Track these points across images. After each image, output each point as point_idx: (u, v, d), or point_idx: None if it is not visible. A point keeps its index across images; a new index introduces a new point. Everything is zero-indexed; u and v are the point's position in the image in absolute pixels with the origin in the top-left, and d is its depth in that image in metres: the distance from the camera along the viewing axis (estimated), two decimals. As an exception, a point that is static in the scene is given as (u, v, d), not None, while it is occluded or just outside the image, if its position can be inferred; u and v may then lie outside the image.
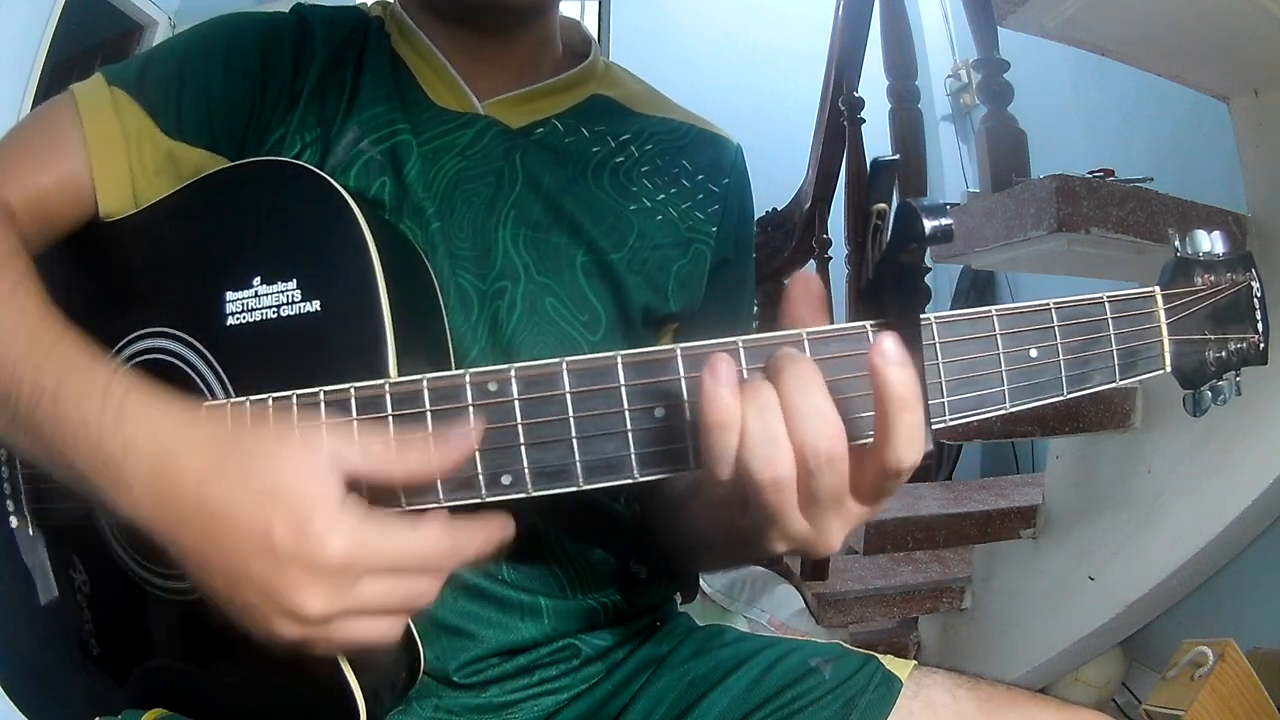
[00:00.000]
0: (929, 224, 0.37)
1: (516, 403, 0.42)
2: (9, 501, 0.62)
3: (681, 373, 0.42)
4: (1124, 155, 2.14)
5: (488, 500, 0.43)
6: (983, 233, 1.30)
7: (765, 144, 1.51)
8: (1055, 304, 0.45)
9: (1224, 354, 0.50)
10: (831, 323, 0.43)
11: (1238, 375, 0.51)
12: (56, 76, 2.72)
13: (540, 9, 0.67)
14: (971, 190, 2.34)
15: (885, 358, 0.37)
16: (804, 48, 3.18)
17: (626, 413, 0.42)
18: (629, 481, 0.42)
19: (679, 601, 0.76)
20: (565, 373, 0.42)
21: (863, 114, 1.79)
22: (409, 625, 0.51)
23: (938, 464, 2.66)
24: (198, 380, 0.51)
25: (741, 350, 0.41)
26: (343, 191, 0.50)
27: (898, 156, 0.42)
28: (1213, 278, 0.50)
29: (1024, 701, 0.56)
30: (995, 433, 1.49)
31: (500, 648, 0.60)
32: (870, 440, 0.40)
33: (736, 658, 0.62)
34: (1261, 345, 0.51)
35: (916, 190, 1.60)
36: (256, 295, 0.49)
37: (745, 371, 0.41)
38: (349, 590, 0.41)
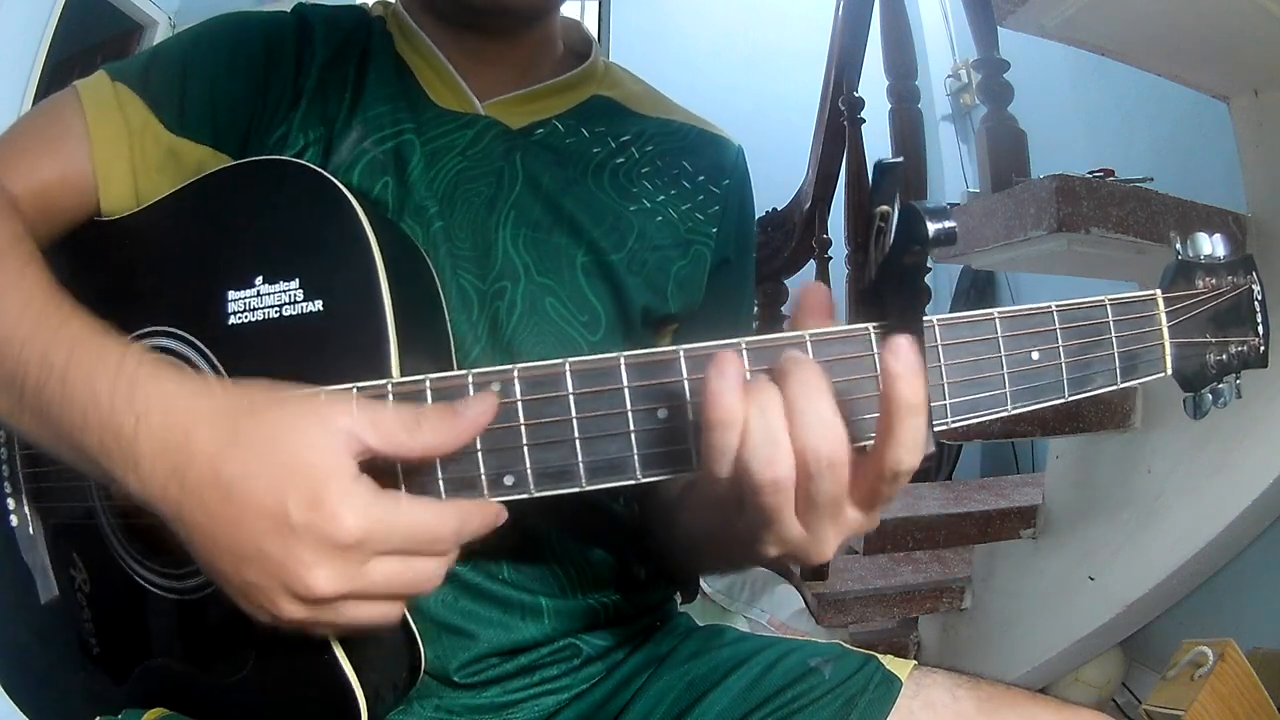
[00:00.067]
0: (932, 226, 0.37)
1: (520, 403, 0.42)
2: (9, 500, 0.62)
3: (684, 374, 0.42)
4: (1124, 155, 2.14)
5: (490, 501, 0.43)
6: (983, 233, 1.30)
7: (765, 144, 1.51)
8: (1057, 306, 0.45)
9: (1225, 357, 0.50)
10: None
11: (1238, 378, 0.52)
12: (56, 76, 2.72)
13: (542, 11, 0.67)
14: (971, 190, 2.34)
15: (898, 359, 0.37)
16: (804, 48, 3.19)
17: (630, 413, 0.42)
18: (632, 482, 0.42)
19: (679, 601, 0.76)
20: (568, 373, 0.42)
21: (863, 114, 1.79)
22: (410, 624, 0.51)
23: (938, 464, 2.66)
24: (199, 380, 0.51)
25: (744, 351, 0.42)
26: (345, 191, 0.50)
27: (901, 159, 0.42)
28: (1214, 281, 0.50)
29: (1024, 701, 0.56)
30: (995, 433, 1.49)
31: (501, 647, 0.60)
32: (870, 442, 0.40)
33: (736, 658, 0.62)
34: (1262, 348, 0.51)
35: (916, 191, 1.60)
36: (259, 294, 0.49)
37: (749, 373, 0.41)
38: (359, 570, 0.40)
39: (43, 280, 0.48)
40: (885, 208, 0.41)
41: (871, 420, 0.40)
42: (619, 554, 0.66)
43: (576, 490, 0.43)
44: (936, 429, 0.42)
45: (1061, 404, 0.46)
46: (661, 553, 0.66)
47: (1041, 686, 1.64)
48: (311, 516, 0.39)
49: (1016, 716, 0.55)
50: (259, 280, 0.49)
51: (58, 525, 0.61)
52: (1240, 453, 1.28)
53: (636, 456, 0.42)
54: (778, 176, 1.84)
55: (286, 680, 0.50)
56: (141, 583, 0.55)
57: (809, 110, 2.02)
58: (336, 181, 0.50)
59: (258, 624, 0.42)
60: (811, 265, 2.02)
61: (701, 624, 0.72)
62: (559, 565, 0.63)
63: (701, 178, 0.71)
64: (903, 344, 0.37)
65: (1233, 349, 0.50)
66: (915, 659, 0.66)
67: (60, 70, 2.77)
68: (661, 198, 0.68)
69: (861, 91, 1.80)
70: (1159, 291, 0.49)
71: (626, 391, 0.42)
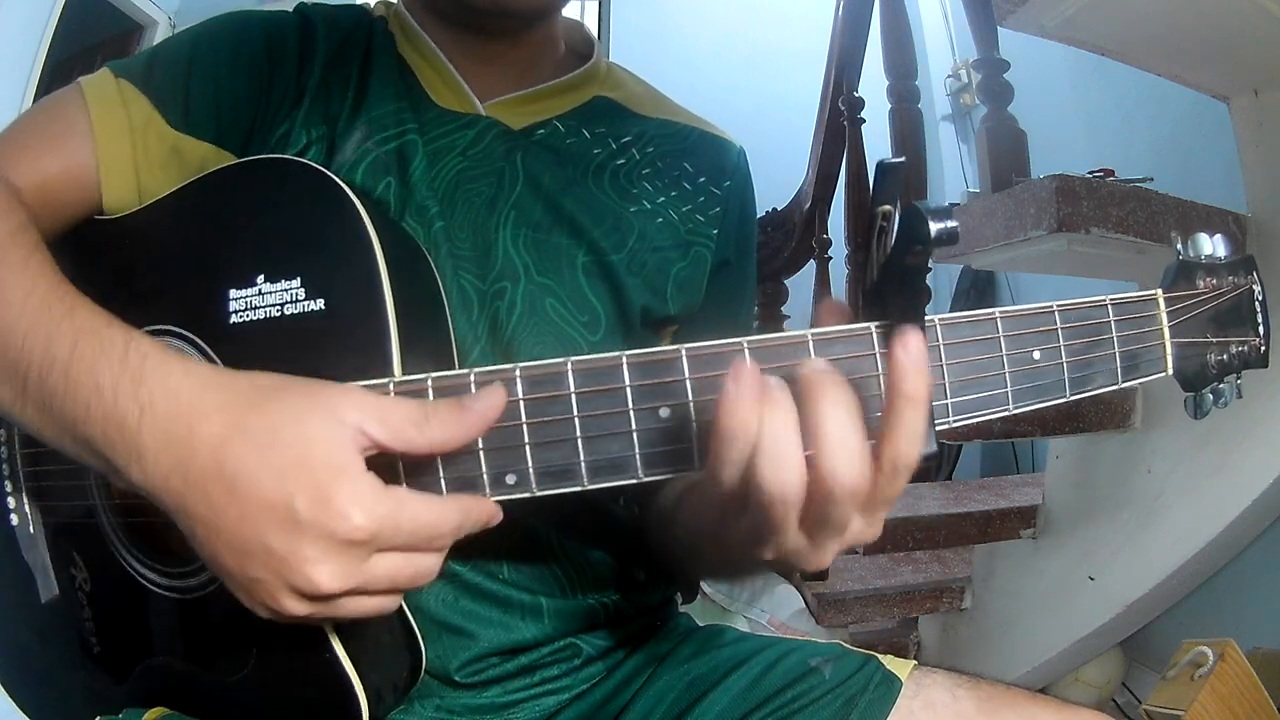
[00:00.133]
0: (934, 226, 0.37)
1: (521, 402, 0.42)
2: (9, 498, 0.62)
3: (686, 373, 0.42)
4: (1124, 155, 2.14)
5: (492, 500, 0.43)
6: (983, 233, 1.30)
7: (765, 144, 1.51)
8: (1058, 306, 0.45)
9: (1225, 357, 0.50)
10: None
11: (1239, 378, 0.52)
12: (57, 76, 2.72)
13: (543, 13, 0.67)
14: (971, 190, 2.34)
15: (908, 352, 0.37)
16: (804, 48, 3.19)
17: (632, 413, 0.42)
18: (634, 481, 0.42)
19: (679, 602, 0.76)
20: (570, 372, 0.42)
21: (863, 114, 1.79)
22: (411, 624, 0.51)
23: (938, 464, 2.66)
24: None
25: (746, 351, 0.42)
26: (347, 190, 0.50)
27: (903, 159, 0.42)
28: (1214, 281, 0.50)
29: (1024, 701, 0.56)
30: (995, 433, 1.49)
31: (501, 647, 0.60)
32: (871, 442, 0.40)
33: (736, 657, 0.62)
34: (1263, 348, 0.51)
35: (916, 191, 1.60)
36: (260, 293, 0.49)
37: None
38: (362, 565, 0.40)
39: (46, 270, 0.48)
40: (887, 207, 0.41)
41: (873, 420, 0.40)
42: (619, 554, 0.66)
43: (578, 489, 0.43)
44: (938, 428, 0.42)
45: (1062, 404, 0.46)
46: (660, 554, 0.66)
47: (1041, 686, 1.64)
48: (318, 513, 0.38)
49: (1016, 716, 0.55)
50: (261, 279, 0.49)
51: (58, 524, 0.61)
52: (1240, 453, 1.28)
53: (638, 455, 0.42)
54: (778, 176, 1.84)
55: (288, 679, 0.50)
56: (142, 581, 0.55)
57: (809, 110, 2.03)
58: (338, 180, 0.50)
59: (258, 619, 0.42)
60: (811, 265, 2.02)
61: (701, 624, 0.72)
62: (559, 565, 0.63)
63: (702, 179, 0.71)
64: (914, 338, 0.37)
65: (1233, 349, 0.50)
66: (915, 659, 0.66)
67: (60, 70, 2.77)
68: (662, 199, 0.68)
69: (861, 91, 1.80)
70: (1160, 291, 0.49)
71: (628, 390, 0.42)
